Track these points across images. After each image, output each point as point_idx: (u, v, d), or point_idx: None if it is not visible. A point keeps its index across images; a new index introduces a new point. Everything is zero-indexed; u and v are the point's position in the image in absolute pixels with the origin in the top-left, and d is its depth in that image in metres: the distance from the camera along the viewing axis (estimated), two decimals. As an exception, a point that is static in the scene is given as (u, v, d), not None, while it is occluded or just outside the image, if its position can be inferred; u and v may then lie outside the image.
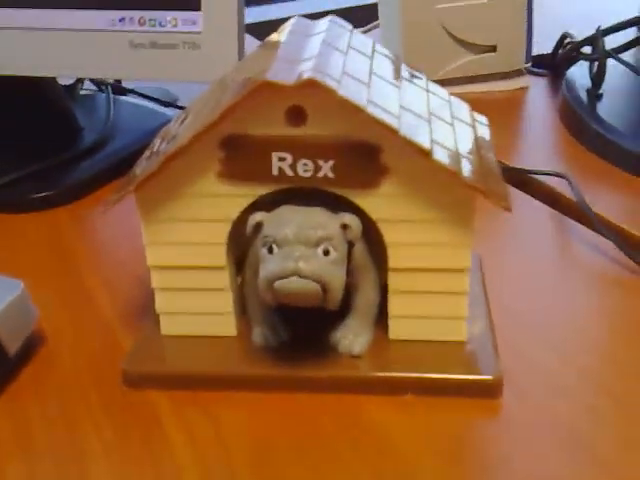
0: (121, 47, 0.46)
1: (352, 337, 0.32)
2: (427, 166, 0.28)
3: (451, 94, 0.41)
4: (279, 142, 0.29)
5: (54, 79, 0.53)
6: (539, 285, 0.38)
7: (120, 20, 0.46)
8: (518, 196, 0.47)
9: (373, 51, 0.34)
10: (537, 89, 0.64)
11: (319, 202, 0.29)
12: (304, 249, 0.27)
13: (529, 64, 0.63)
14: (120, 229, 0.45)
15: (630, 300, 0.36)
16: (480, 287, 0.35)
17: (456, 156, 0.29)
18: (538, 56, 0.66)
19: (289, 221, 0.28)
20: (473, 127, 0.34)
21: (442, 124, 0.31)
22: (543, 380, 0.31)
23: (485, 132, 0.34)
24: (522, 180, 0.48)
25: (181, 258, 0.31)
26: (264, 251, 0.28)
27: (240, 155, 0.29)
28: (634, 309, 0.36)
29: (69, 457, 0.29)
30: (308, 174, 0.29)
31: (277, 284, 0.27)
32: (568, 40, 0.61)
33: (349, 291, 0.31)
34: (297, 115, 0.28)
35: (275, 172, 0.29)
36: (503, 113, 0.59)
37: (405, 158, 0.28)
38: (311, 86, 0.27)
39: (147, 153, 0.33)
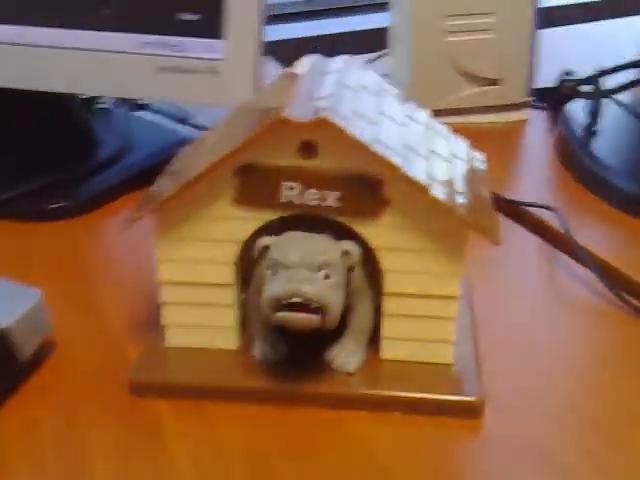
0: (147, 70, 0.48)
1: (346, 355, 0.34)
2: (424, 200, 0.30)
3: (454, 123, 0.43)
4: (290, 172, 0.31)
5: (74, 94, 0.56)
6: (526, 313, 0.40)
7: (147, 44, 0.48)
8: (510, 226, 0.49)
9: (382, 90, 0.36)
10: (537, 122, 0.66)
11: (323, 228, 0.31)
12: (306, 272, 0.30)
13: (531, 98, 0.65)
14: (131, 243, 0.47)
15: (610, 329, 0.38)
16: (468, 313, 0.37)
17: (451, 192, 0.31)
18: (540, 90, 0.68)
19: (294, 246, 0.30)
20: (470, 164, 0.36)
21: (441, 161, 0.33)
22: (525, 404, 0.33)
23: (481, 169, 0.37)
24: (515, 211, 0.50)
25: (192, 275, 0.34)
26: (269, 272, 0.30)
27: (253, 183, 0.31)
28: (614, 338, 0.38)
29: (73, 460, 0.31)
30: (314, 203, 0.31)
31: (279, 315, 0.29)
32: (569, 77, 0.63)
33: (346, 312, 0.33)
34: (309, 149, 0.31)
35: (284, 200, 0.31)
36: (502, 144, 0.62)
37: (405, 192, 0.31)
38: (323, 124, 0.29)
39: (166, 172, 0.35)
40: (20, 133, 0.55)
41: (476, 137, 0.60)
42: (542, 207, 0.48)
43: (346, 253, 0.31)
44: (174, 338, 0.35)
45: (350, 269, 0.32)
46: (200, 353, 0.35)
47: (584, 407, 0.33)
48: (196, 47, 0.47)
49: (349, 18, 1.05)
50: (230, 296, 0.34)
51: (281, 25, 1.05)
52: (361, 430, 0.32)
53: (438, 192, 0.30)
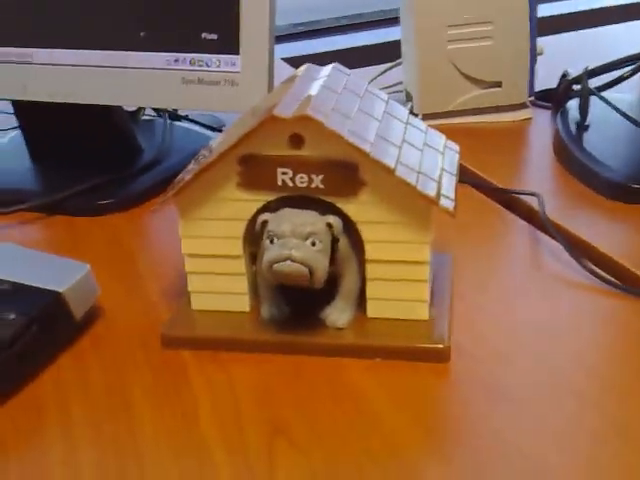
0: (175, 83, 0.56)
1: (337, 313, 0.40)
2: (393, 180, 0.37)
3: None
4: (283, 160, 0.38)
5: (120, 107, 0.64)
6: (504, 284, 0.46)
7: (175, 61, 0.57)
8: (501, 212, 0.55)
9: (365, 92, 0.43)
10: (541, 120, 0.71)
11: (312, 206, 0.38)
12: (296, 241, 0.37)
13: (532, 98, 0.71)
14: (164, 231, 0.55)
15: (573, 293, 0.44)
16: (447, 280, 0.44)
17: (417, 173, 0.38)
18: (545, 91, 0.73)
19: (286, 220, 0.37)
20: (442, 153, 0.42)
21: (412, 149, 0.40)
22: (490, 354, 0.39)
23: (454, 157, 0.43)
24: (505, 199, 0.56)
25: (208, 248, 0.41)
26: (267, 242, 0.37)
27: (253, 170, 0.38)
28: (576, 301, 0.43)
29: (119, 398, 0.38)
30: (304, 185, 0.38)
31: (275, 267, 0.36)
32: (565, 78, 0.68)
33: (336, 277, 0.40)
34: (296, 140, 0.38)
35: (279, 183, 0.38)
36: (506, 141, 0.67)
37: (377, 174, 0.37)
38: (306, 119, 0.36)
39: (192, 164, 0.42)
40: (75, 141, 0.63)
41: (482, 135, 0.67)
42: (526, 194, 0.54)
43: (329, 225, 0.38)
44: (198, 302, 0.42)
45: (335, 240, 0.38)
46: (219, 314, 0.42)
47: (541, 354, 0.39)
48: (216, 62, 0.55)
49: (364, 33, 1.12)
50: (241, 266, 0.41)
51: (304, 41, 1.13)
52: (349, 373, 0.39)
53: (404, 173, 0.37)
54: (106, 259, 0.51)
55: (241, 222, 0.40)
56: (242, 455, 0.34)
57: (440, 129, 0.45)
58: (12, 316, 0.39)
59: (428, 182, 0.38)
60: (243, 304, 0.42)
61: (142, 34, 0.57)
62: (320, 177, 0.38)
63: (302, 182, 0.38)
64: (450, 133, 0.46)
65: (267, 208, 0.39)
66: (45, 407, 0.38)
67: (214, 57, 0.55)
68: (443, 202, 0.37)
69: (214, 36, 0.55)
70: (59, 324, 0.41)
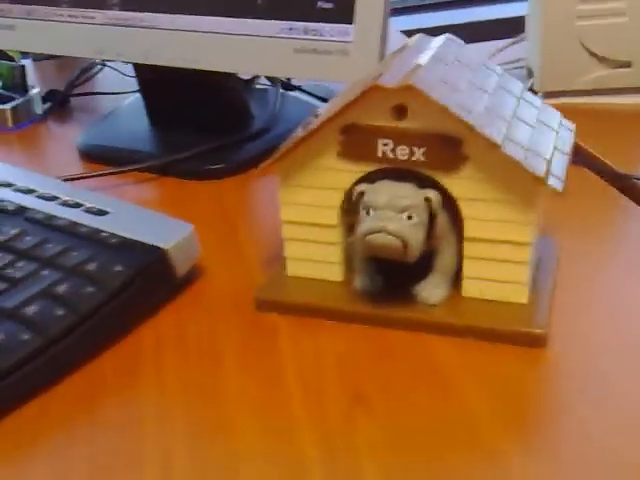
0: (288, 52, 0.57)
1: (430, 290, 0.39)
2: (498, 156, 0.35)
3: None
4: (384, 131, 0.37)
5: (235, 74, 0.65)
6: (613, 275, 0.43)
7: (289, 29, 0.57)
8: (617, 198, 0.52)
9: (478, 64, 0.41)
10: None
11: (412, 180, 0.37)
12: (392, 213, 0.36)
13: (665, 81, 0.66)
14: (267, 198, 0.55)
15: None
16: (552, 265, 0.42)
17: (525, 150, 0.36)
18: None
19: (383, 192, 0.37)
20: (556, 131, 0.40)
21: (523, 125, 0.38)
22: (590, 347, 0.37)
23: (568, 136, 0.41)
24: (624, 185, 0.52)
25: (306, 216, 0.41)
26: (363, 213, 0.37)
27: (354, 140, 0.38)
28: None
29: (212, 354, 0.39)
30: (405, 157, 0.37)
31: (368, 238, 0.36)
32: None
33: (433, 253, 0.39)
34: (400, 111, 0.37)
35: (379, 154, 0.38)
36: (631, 125, 0.63)
37: (481, 149, 0.36)
38: (410, 89, 0.35)
39: (294, 134, 0.42)
40: (190, 106, 0.65)
41: (606, 117, 0.63)
42: (647, 180, 0.50)
43: (427, 200, 0.37)
44: (292, 268, 0.43)
45: (434, 215, 0.37)
46: (312, 282, 0.42)
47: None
48: (330, 31, 0.54)
49: (485, 8, 1.09)
50: (336, 235, 0.41)
51: (426, 14, 1.11)
52: (437, 351, 0.38)
53: (511, 150, 0.35)
54: (210, 221, 0.53)
55: (339, 192, 0.40)
56: (322, 420, 0.34)
57: (561, 108, 0.43)
58: (119, 268, 0.41)
59: (537, 160, 0.36)
60: (337, 273, 0.42)
61: (260, 1, 0.58)
62: (422, 150, 0.37)
63: (403, 154, 0.37)
64: (571, 113, 0.44)
65: (365, 179, 0.39)
66: (143, 357, 0.40)
67: (328, 26, 0.55)
68: (551, 182, 0.35)
69: (330, 5, 0.55)
70: (162, 279, 0.43)
